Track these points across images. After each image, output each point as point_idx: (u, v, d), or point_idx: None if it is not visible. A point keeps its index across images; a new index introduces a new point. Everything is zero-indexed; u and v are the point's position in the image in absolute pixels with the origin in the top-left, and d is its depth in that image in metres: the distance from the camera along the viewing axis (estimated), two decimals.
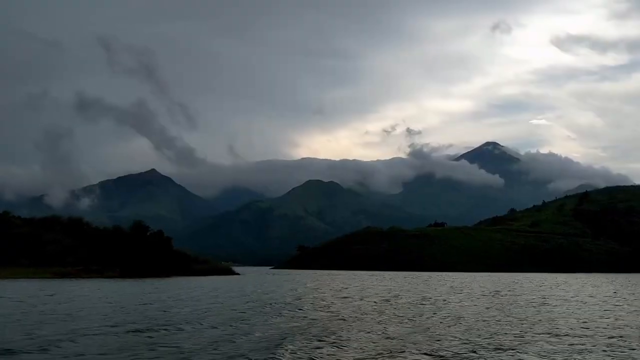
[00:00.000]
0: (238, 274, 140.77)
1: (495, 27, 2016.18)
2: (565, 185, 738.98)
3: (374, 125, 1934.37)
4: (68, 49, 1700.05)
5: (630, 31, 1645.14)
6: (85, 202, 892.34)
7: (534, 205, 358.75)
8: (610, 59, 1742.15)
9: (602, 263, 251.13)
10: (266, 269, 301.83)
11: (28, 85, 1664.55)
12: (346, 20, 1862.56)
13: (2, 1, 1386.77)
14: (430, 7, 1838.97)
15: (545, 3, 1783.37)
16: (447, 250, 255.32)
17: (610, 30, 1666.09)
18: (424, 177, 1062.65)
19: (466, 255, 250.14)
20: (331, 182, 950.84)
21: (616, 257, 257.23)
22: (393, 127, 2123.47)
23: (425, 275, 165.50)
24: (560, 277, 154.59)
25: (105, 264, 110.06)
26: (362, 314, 42.55)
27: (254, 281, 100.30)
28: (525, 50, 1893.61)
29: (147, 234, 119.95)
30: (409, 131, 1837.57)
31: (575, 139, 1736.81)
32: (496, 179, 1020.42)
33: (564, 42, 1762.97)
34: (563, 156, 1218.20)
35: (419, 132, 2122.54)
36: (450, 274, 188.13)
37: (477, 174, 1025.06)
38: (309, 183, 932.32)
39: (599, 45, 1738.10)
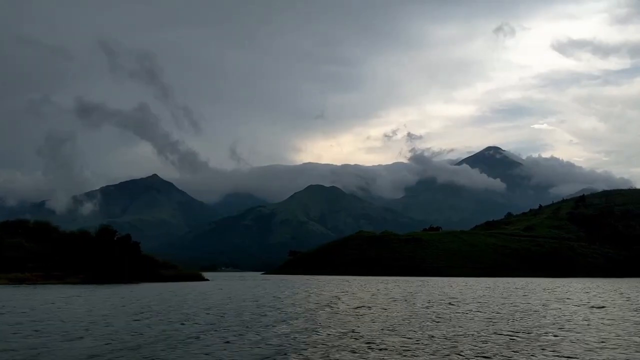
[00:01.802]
0: (208, 279, 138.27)
1: (497, 33, 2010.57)
2: (567, 190, 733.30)
3: (377, 130, 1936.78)
4: (71, 54, 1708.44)
5: (632, 36, 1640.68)
6: (87, 208, 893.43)
7: (530, 210, 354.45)
8: (613, 63, 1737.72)
9: (597, 267, 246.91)
10: (257, 274, 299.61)
11: (31, 91, 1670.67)
12: (349, 27, 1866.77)
13: (4, 8, 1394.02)
14: (432, 13, 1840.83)
15: (547, 8, 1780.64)
16: (439, 255, 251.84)
17: (612, 34, 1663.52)
18: (426, 181, 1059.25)
19: (458, 259, 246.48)
20: (333, 187, 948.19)
21: (611, 261, 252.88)
22: (394, 132, 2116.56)
23: (402, 280, 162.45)
24: (544, 282, 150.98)
25: (69, 270, 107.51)
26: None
27: (214, 289, 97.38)
28: (528, 56, 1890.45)
29: (114, 239, 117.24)
30: (410, 136, 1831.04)
31: (578, 144, 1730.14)
32: (498, 184, 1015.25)
33: (566, 47, 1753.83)
34: (565, 161, 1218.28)
35: (420, 137, 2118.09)
36: (436, 278, 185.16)
37: (479, 179, 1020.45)
38: (311, 188, 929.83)
39: (601, 49, 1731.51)
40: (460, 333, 34.02)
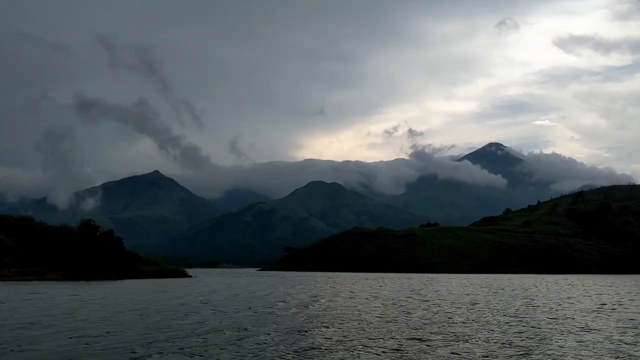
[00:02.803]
0: (190, 276, 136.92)
1: (498, 29, 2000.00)
2: (568, 186, 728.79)
3: (377, 126, 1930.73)
4: (70, 50, 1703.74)
5: (633, 32, 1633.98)
6: (89, 204, 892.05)
7: (529, 206, 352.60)
8: (614, 59, 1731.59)
9: (594, 264, 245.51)
10: (253, 270, 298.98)
11: (29, 87, 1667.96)
12: (349, 24, 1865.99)
13: (4, 5, 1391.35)
14: (433, 10, 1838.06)
15: (548, 4, 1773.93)
16: (434, 251, 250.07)
17: (614, 30, 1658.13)
18: (427, 178, 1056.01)
19: (453, 255, 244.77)
20: (334, 183, 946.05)
21: (608, 257, 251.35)
22: (395, 128, 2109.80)
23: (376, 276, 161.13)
24: (535, 278, 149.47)
25: (49, 266, 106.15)
26: None
27: (187, 286, 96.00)
28: (529, 52, 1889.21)
29: (96, 235, 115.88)
30: (411, 132, 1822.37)
31: (579, 140, 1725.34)
32: (499, 180, 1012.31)
33: (567, 43, 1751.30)
34: (567, 157, 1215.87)
35: (421, 133, 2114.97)
36: (428, 275, 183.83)
37: (480, 175, 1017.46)
38: (312, 184, 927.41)
39: (602, 46, 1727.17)
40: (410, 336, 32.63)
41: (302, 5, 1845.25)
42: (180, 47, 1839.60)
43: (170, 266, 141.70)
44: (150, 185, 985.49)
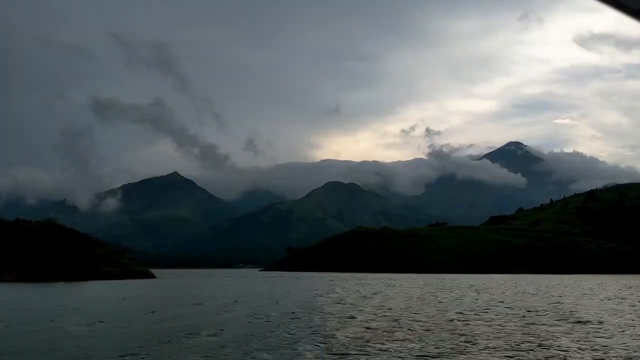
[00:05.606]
0: (155, 277, 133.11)
1: (520, 24, 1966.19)
2: (589, 185, 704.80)
3: (395, 126, 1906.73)
4: (88, 51, 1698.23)
5: None
6: (109, 205, 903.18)
7: (541, 204, 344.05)
8: (636, 57, 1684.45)
9: (604, 263, 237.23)
10: (254, 271, 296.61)
11: (48, 89, 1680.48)
12: (367, 23, 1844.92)
13: (19, 7, 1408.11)
14: (451, 7, 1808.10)
15: (567, 1, 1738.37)
16: (436, 251, 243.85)
17: (635, 28, 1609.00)
18: (445, 177, 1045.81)
19: (455, 255, 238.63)
20: (351, 183, 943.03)
21: (619, 257, 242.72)
22: (412, 128, 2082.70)
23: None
24: (534, 279, 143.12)
25: (5, 266, 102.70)
26: None
27: (135, 289, 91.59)
28: (549, 50, 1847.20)
29: (58, 233, 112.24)
30: (428, 131, 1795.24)
31: (601, 138, 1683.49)
32: (519, 179, 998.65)
33: (588, 41, 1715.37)
34: (588, 155, 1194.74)
35: (439, 133, 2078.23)
36: (426, 275, 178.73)
37: (500, 174, 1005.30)
38: (329, 185, 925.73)
39: (624, 43, 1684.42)
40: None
41: (319, 4, 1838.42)
42: (197, 46, 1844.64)
43: (135, 267, 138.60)
44: (170, 186, 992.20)
